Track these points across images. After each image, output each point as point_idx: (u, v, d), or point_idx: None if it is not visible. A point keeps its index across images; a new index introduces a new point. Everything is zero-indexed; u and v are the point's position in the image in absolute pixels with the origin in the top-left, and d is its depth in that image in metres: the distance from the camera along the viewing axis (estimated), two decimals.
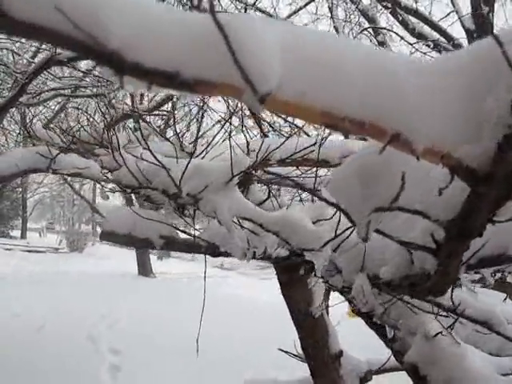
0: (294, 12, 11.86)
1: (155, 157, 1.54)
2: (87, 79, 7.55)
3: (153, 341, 9.32)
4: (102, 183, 2.24)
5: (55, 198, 45.93)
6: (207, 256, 1.82)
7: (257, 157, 1.81)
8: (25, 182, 35.91)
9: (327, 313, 2.27)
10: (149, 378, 7.41)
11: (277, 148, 2.02)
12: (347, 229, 1.28)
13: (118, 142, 1.80)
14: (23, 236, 40.48)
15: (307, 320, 2.16)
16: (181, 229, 1.71)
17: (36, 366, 7.40)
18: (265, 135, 3.58)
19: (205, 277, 1.94)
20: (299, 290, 2.11)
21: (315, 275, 1.58)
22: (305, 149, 2.01)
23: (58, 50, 5.60)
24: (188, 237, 1.70)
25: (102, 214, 23.76)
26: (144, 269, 20.75)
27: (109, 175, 1.89)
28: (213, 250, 1.68)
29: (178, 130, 2.28)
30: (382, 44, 11.17)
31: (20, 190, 37.67)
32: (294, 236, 1.39)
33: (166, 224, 1.65)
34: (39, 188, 41.07)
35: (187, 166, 1.49)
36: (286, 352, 2.50)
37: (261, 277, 23.96)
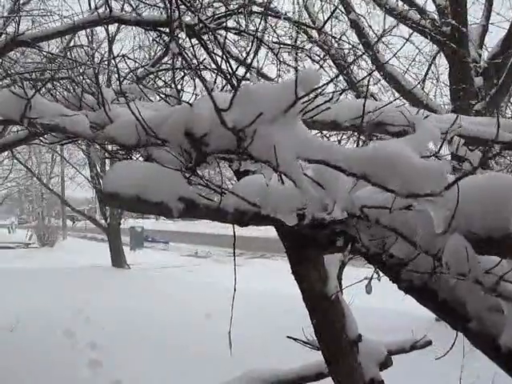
0: None
1: (165, 97, 1.27)
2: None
3: (132, 333, 9.09)
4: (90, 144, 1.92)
5: (23, 192, 44.96)
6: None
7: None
8: None
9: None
10: (131, 372, 7.18)
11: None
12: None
13: (102, 96, 1.53)
14: None
15: (322, 302, 1.93)
16: (213, 186, 1.40)
17: (11, 367, 7.08)
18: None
19: (234, 258, 1.69)
20: (313, 269, 1.88)
21: (352, 248, 1.35)
22: None
23: (21, 29, 5.26)
24: (210, 201, 1.40)
25: (73, 207, 23.28)
26: (117, 260, 20.39)
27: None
28: (240, 217, 1.41)
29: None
30: (354, 22, 10.98)
31: None
32: (395, 177, 1.01)
33: (187, 183, 1.34)
34: (6, 183, 40.15)
35: (237, 87, 1.19)
36: (295, 339, 2.27)
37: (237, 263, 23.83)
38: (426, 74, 11.67)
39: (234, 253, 1.78)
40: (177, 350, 8.13)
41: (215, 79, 2.38)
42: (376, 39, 10.68)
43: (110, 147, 1.89)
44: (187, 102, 1.28)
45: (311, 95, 1.19)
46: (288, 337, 2.27)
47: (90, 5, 5.96)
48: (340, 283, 2.07)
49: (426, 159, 1.14)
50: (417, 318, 10.41)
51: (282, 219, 1.31)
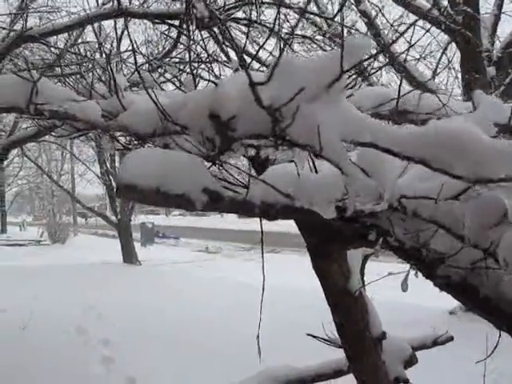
0: None
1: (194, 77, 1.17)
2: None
3: (143, 329, 9.05)
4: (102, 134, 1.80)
5: (34, 190, 45.16)
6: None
7: None
8: (1, 175, 35.28)
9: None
10: (143, 368, 7.14)
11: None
12: None
13: (115, 81, 1.43)
14: (3, 230, 39.81)
15: (345, 298, 1.84)
16: (251, 172, 1.29)
17: (23, 365, 7.07)
18: None
19: (262, 254, 1.59)
20: (336, 264, 1.79)
21: (384, 241, 1.25)
22: None
23: (29, 23, 5.20)
24: (235, 193, 1.29)
25: (83, 204, 23.29)
26: (129, 256, 20.38)
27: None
28: (268, 210, 1.29)
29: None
30: (364, 14, 10.85)
31: None
32: (462, 161, 0.87)
33: (211, 173, 1.23)
34: (16, 180, 40.37)
35: (279, 58, 1.01)
36: (315, 337, 2.19)
37: (245, 258, 23.83)
38: (438, 63, 11.51)
39: (262, 249, 1.69)
40: (188, 345, 8.08)
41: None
42: (387, 30, 10.55)
43: (122, 138, 1.79)
44: (213, 82, 1.17)
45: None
46: (308, 334, 2.18)
47: (97, 1, 5.90)
48: (362, 278, 1.98)
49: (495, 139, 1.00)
50: (431, 312, 10.33)
51: (319, 211, 1.18)
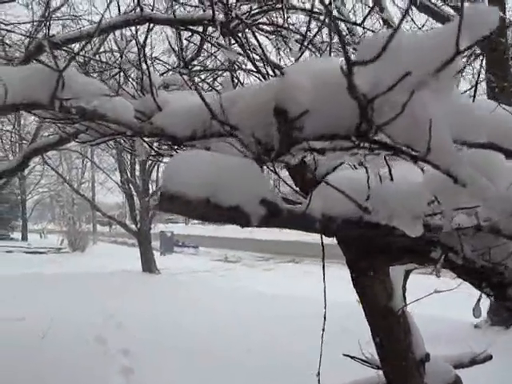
0: None
1: None
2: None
3: (163, 340, 8.95)
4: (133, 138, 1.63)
5: (54, 197, 45.54)
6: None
7: None
8: (22, 183, 35.64)
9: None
10: (163, 380, 7.04)
11: None
12: None
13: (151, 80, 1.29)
14: (24, 238, 40.11)
15: (388, 317, 1.71)
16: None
17: (43, 375, 7.00)
18: None
19: (323, 269, 1.47)
20: (379, 280, 1.65)
21: (445, 259, 1.11)
22: None
23: (52, 32, 5.16)
24: (292, 206, 1.13)
25: (104, 212, 23.32)
26: (148, 265, 20.34)
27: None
28: (329, 225, 1.12)
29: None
30: (386, 22, 10.73)
31: (18, 191, 37.36)
32: None
33: (269, 182, 1.07)
34: (37, 188, 40.76)
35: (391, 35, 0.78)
36: (352, 357, 2.05)
37: (264, 267, 23.69)
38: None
39: (324, 264, 1.56)
40: (208, 356, 7.96)
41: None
42: None
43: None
44: (279, 70, 1.02)
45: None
46: (344, 355, 2.05)
47: (119, 10, 5.85)
48: (404, 295, 1.85)
49: None
50: (454, 324, 10.07)
51: (402, 228, 1.00)
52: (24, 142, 20.62)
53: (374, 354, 2.09)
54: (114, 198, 36.97)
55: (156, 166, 21.51)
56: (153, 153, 1.63)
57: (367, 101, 0.86)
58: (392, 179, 0.96)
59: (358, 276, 1.66)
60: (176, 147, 1.37)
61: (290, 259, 26.52)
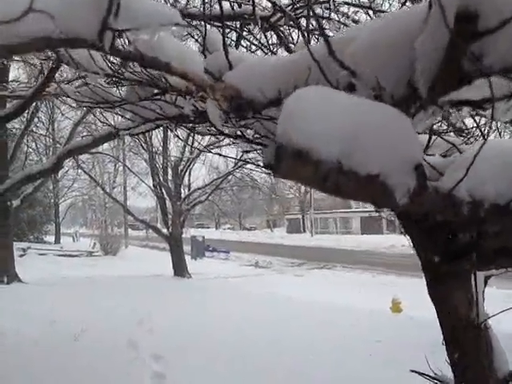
0: None
1: None
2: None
3: (195, 345, 8.80)
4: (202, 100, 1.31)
5: (86, 201, 46.10)
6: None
7: None
8: (56, 186, 36.10)
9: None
10: None
11: None
12: None
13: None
14: (57, 241, 40.60)
15: (468, 330, 1.48)
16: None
17: (76, 376, 6.92)
18: None
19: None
20: (459, 289, 1.43)
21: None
22: None
23: None
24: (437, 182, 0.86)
25: (136, 216, 23.36)
26: (179, 269, 20.30)
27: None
28: (475, 211, 0.85)
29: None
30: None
31: (52, 195, 37.85)
32: None
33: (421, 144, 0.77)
34: (70, 192, 41.27)
35: None
36: (421, 374, 1.82)
37: (295, 273, 23.46)
38: None
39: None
40: (240, 362, 7.80)
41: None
42: None
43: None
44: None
45: None
46: (412, 370, 1.82)
47: None
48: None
49: None
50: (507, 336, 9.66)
51: None
52: (58, 145, 20.87)
53: (441, 368, 1.88)
54: (145, 202, 37.24)
55: (188, 170, 21.49)
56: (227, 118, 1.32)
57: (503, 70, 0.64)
58: None
59: (434, 283, 1.43)
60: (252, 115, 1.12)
61: (321, 265, 26.25)
